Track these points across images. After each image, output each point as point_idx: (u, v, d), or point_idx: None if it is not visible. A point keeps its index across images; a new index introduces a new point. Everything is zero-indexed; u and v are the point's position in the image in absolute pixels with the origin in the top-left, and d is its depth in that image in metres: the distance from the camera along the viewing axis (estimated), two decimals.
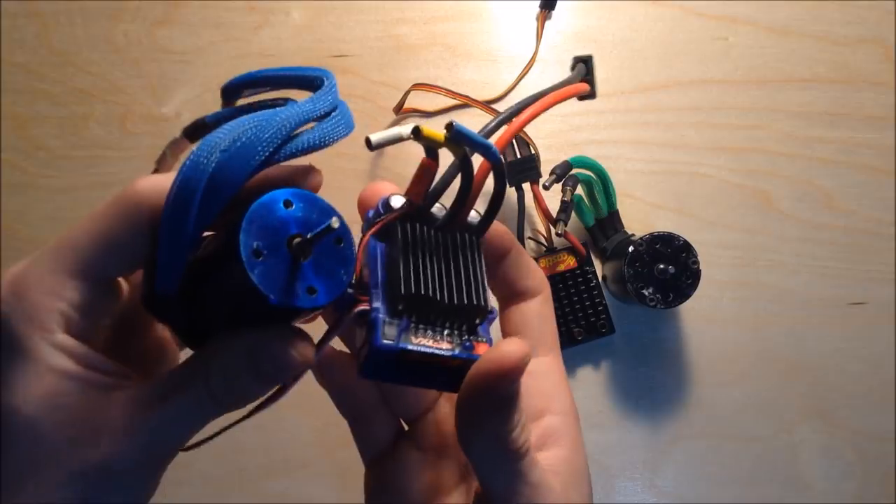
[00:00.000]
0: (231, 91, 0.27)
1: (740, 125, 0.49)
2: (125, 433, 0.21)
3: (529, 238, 0.48)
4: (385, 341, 0.22)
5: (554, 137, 0.49)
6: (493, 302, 0.25)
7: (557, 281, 0.46)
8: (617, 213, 0.47)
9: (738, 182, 0.49)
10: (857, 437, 0.47)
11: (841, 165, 0.49)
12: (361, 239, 0.24)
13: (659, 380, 0.47)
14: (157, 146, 0.27)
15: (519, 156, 0.45)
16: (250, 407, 0.23)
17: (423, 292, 0.23)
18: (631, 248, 0.43)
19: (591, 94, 0.33)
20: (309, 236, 0.21)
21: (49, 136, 0.49)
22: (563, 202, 0.44)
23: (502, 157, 0.23)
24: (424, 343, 0.23)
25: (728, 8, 0.50)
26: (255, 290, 0.20)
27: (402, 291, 0.23)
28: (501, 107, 0.48)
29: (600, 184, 0.46)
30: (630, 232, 0.47)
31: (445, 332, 0.24)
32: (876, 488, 0.46)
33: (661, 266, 0.43)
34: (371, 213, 0.25)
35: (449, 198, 0.25)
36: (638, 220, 0.48)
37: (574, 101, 0.49)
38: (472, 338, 0.24)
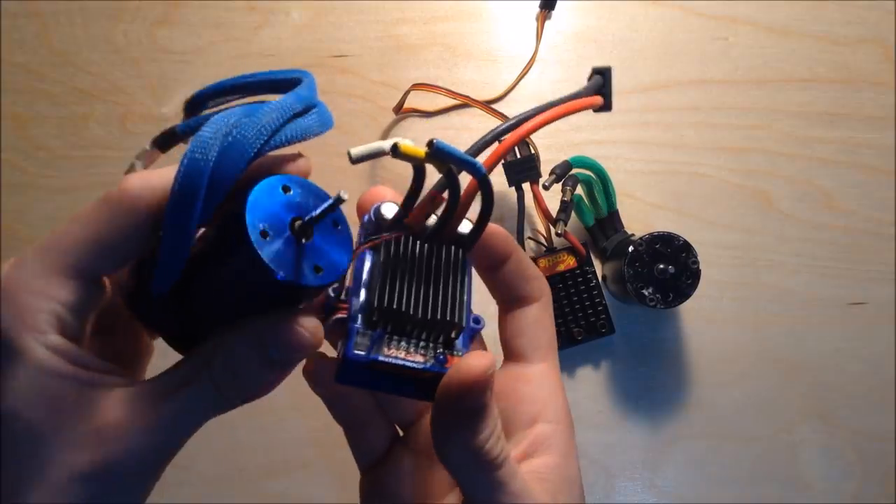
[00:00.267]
0: (197, 103, 0.27)
1: (740, 125, 0.49)
2: (128, 432, 0.21)
3: (529, 238, 0.48)
4: (357, 352, 0.23)
5: (554, 137, 0.49)
6: (482, 308, 0.25)
7: (557, 281, 0.46)
8: (617, 213, 0.47)
9: (738, 182, 0.49)
10: (857, 437, 0.47)
11: (841, 165, 0.49)
12: (354, 252, 0.24)
13: (659, 380, 0.47)
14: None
15: (519, 156, 0.45)
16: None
17: (395, 306, 0.23)
18: (631, 248, 0.43)
19: (606, 107, 0.33)
20: (315, 213, 0.22)
21: (49, 136, 0.49)
22: (563, 202, 0.44)
23: (488, 172, 0.23)
24: (397, 355, 0.23)
25: (728, 8, 0.50)
26: (264, 269, 0.20)
27: (376, 304, 0.23)
28: (501, 107, 0.48)
29: (600, 184, 0.46)
30: (630, 232, 0.47)
31: (420, 343, 0.24)
32: (876, 488, 0.46)
33: (661, 266, 0.43)
34: (365, 219, 0.25)
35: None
36: (638, 220, 0.48)
37: None
38: (446, 351, 0.24)
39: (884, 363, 0.47)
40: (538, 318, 0.28)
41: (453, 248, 0.25)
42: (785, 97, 0.50)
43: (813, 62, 0.50)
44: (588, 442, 0.47)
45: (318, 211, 0.22)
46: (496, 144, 0.26)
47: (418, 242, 0.25)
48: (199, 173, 0.21)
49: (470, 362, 0.22)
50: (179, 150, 0.27)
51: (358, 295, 0.24)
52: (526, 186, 0.45)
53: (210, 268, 0.22)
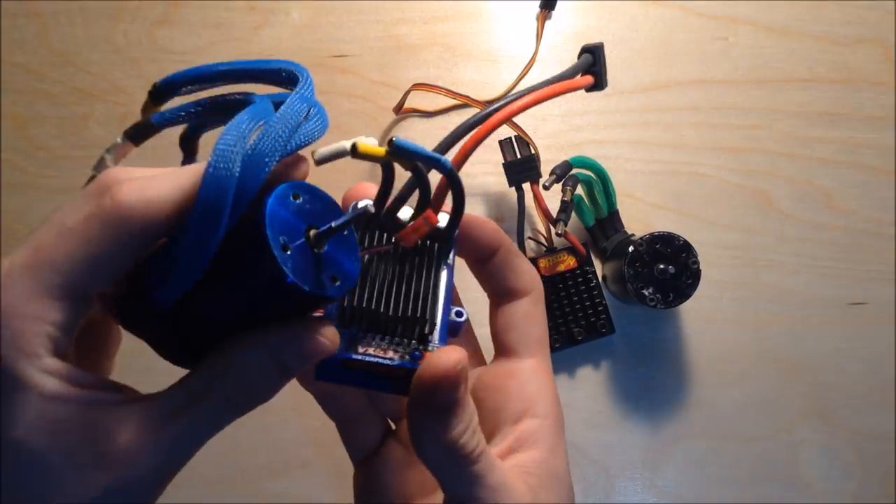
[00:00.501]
0: (165, 90, 0.26)
1: (740, 125, 0.49)
2: (139, 453, 0.21)
3: (529, 238, 0.48)
4: None
5: (554, 137, 0.49)
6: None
7: (557, 281, 0.46)
8: (617, 213, 0.47)
9: (738, 182, 0.49)
10: (857, 437, 0.47)
11: (841, 165, 0.49)
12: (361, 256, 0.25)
13: (659, 380, 0.47)
14: (157, 146, 0.27)
15: (519, 156, 0.45)
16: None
17: (365, 304, 0.24)
18: (631, 248, 0.43)
19: (598, 86, 0.31)
20: (335, 224, 0.21)
21: (49, 136, 0.49)
22: (563, 202, 0.44)
23: (453, 165, 0.23)
24: (370, 352, 0.24)
25: (728, 8, 0.50)
26: (287, 284, 0.20)
27: (346, 303, 0.24)
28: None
29: (600, 184, 0.46)
30: (630, 232, 0.47)
31: (395, 340, 0.24)
32: (876, 488, 0.46)
33: (661, 266, 0.43)
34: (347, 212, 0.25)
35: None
36: (638, 220, 0.48)
37: (574, 100, 0.49)
38: (421, 347, 0.24)
39: (884, 363, 0.47)
40: (528, 313, 0.28)
41: (429, 243, 0.26)
42: (785, 97, 0.50)
43: (813, 62, 0.50)
44: (588, 442, 0.47)
45: (341, 221, 0.21)
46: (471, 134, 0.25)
47: (394, 238, 0.25)
48: (226, 187, 0.20)
49: (439, 357, 0.22)
50: (153, 144, 0.26)
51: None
52: (526, 186, 0.45)
53: (223, 281, 0.21)
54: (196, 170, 0.21)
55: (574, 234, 0.45)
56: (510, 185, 0.45)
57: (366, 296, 0.24)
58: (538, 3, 0.47)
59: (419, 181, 0.24)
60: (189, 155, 0.27)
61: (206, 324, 0.22)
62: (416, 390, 0.22)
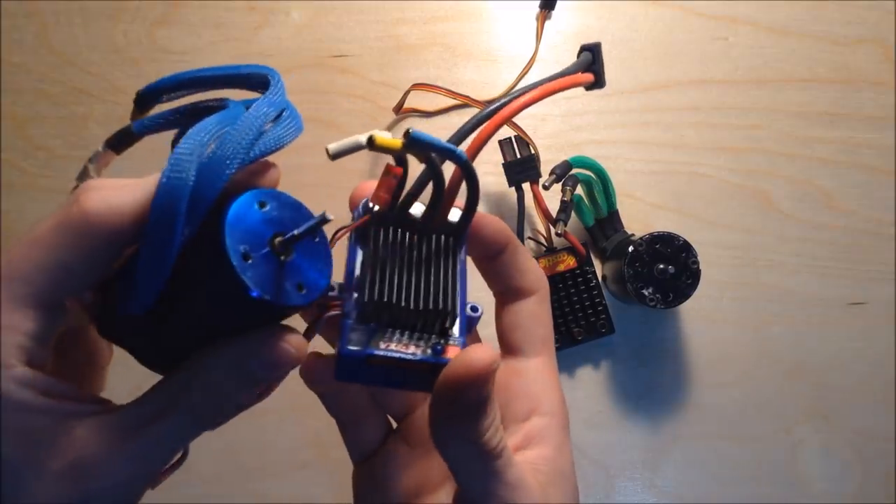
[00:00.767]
0: (148, 96, 0.26)
1: (740, 125, 0.49)
2: (106, 464, 0.20)
3: (529, 238, 0.48)
4: (351, 347, 0.23)
5: (554, 137, 0.49)
6: (483, 302, 0.25)
7: (557, 281, 0.46)
8: (617, 213, 0.47)
9: (738, 182, 0.49)
10: (857, 437, 0.47)
11: (841, 165, 0.49)
12: (334, 238, 0.24)
13: (659, 380, 0.47)
14: (157, 147, 0.27)
15: (519, 156, 0.45)
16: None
17: (385, 299, 0.23)
18: (631, 248, 0.43)
19: (598, 83, 0.31)
20: (297, 232, 0.21)
21: (49, 136, 0.49)
22: (562, 202, 0.44)
23: (469, 158, 0.23)
24: (392, 348, 0.23)
25: (728, 8, 0.50)
26: (247, 293, 0.20)
27: (367, 298, 0.23)
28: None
29: (600, 184, 0.46)
30: (630, 232, 0.47)
31: (416, 335, 0.24)
32: (876, 488, 0.46)
33: (661, 266, 0.43)
34: (354, 214, 0.25)
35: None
36: (638, 220, 0.48)
37: (574, 100, 0.49)
38: (442, 341, 0.24)
39: (884, 363, 0.47)
40: (534, 312, 0.28)
41: (444, 237, 0.25)
42: (785, 97, 0.50)
43: (813, 62, 0.50)
44: (588, 442, 0.47)
45: (303, 229, 0.21)
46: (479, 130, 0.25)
47: (408, 233, 0.25)
48: (179, 194, 0.20)
49: (474, 356, 0.22)
50: (135, 151, 0.26)
51: (350, 290, 0.24)
52: (526, 186, 0.45)
53: (187, 289, 0.21)
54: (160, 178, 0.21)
55: (574, 234, 0.45)
56: (510, 185, 0.45)
57: (386, 290, 0.23)
58: (538, 3, 0.47)
59: (433, 173, 0.23)
60: None
61: (178, 332, 0.22)
62: (445, 386, 0.22)
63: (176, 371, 0.22)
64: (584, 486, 0.46)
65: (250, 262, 0.20)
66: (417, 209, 0.25)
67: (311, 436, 0.46)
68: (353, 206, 0.26)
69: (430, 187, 0.25)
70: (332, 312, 0.23)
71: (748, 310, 0.48)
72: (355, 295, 0.24)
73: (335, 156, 0.22)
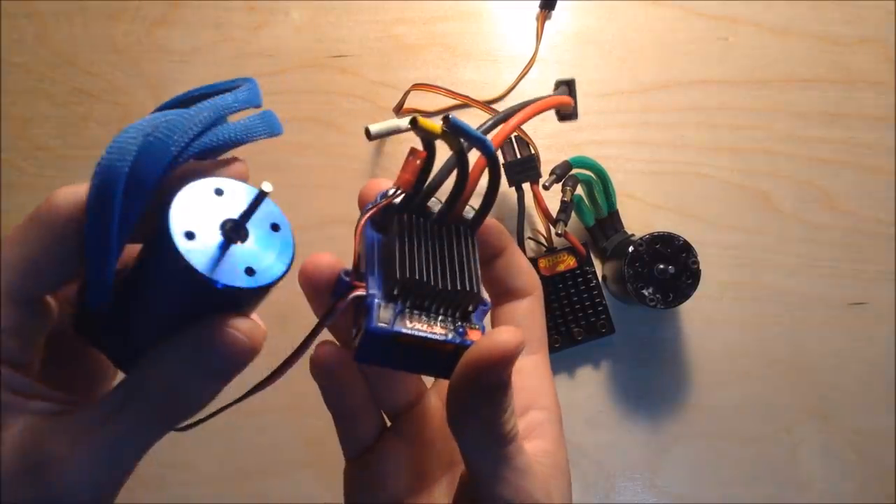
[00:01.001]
0: None
1: (740, 125, 0.49)
2: (69, 464, 0.20)
3: (529, 238, 0.48)
4: (380, 324, 0.23)
5: (554, 137, 0.49)
6: (486, 294, 0.25)
7: (557, 281, 0.46)
8: (617, 213, 0.47)
9: (739, 182, 0.49)
10: (857, 437, 0.47)
11: (841, 165, 0.49)
12: (357, 224, 0.24)
13: (659, 380, 0.47)
14: None
15: (519, 156, 0.45)
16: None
17: (417, 276, 0.23)
18: (631, 248, 0.43)
19: (572, 115, 0.34)
20: (243, 211, 0.21)
21: (49, 136, 0.49)
22: (563, 202, 0.44)
23: (497, 151, 0.24)
24: (417, 327, 0.23)
25: (728, 8, 0.50)
26: (188, 270, 0.19)
27: (398, 276, 0.23)
28: (501, 107, 0.48)
29: (600, 184, 0.46)
30: (630, 232, 0.47)
31: (439, 317, 0.24)
32: (875, 488, 0.46)
33: (661, 266, 0.43)
34: (369, 206, 0.25)
35: (443, 195, 0.26)
36: (638, 220, 0.48)
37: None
38: (464, 324, 0.24)
39: (884, 363, 0.47)
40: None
41: (459, 228, 0.26)
42: (785, 97, 0.50)
43: (813, 62, 0.50)
44: (588, 442, 0.47)
45: (246, 207, 0.21)
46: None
47: (428, 222, 0.25)
48: (115, 176, 0.20)
49: (500, 337, 0.22)
50: None
51: (373, 271, 0.24)
52: (526, 186, 0.45)
53: (141, 278, 0.21)
54: None
55: (574, 234, 0.45)
56: (510, 185, 0.45)
57: (417, 269, 0.23)
58: (538, 3, 0.48)
59: (461, 161, 0.24)
60: None
61: (140, 327, 0.22)
62: (468, 368, 0.22)
63: (134, 367, 0.22)
64: (584, 486, 0.46)
65: (195, 241, 0.20)
66: (432, 204, 0.26)
67: (311, 436, 0.46)
68: (362, 203, 0.26)
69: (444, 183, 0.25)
70: (357, 293, 0.23)
71: (748, 310, 0.48)
72: (380, 274, 0.24)
73: (375, 136, 0.22)
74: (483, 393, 0.22)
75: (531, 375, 0.27)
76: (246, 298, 0.21)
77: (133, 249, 0.22)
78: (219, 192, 0.21)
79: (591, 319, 0.46)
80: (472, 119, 0.49)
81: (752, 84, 0.50)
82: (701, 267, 0.43)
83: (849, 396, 0.47)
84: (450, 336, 0.23)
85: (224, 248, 0.20)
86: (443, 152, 0.24)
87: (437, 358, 0.24)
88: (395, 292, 0.23)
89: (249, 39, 0.50)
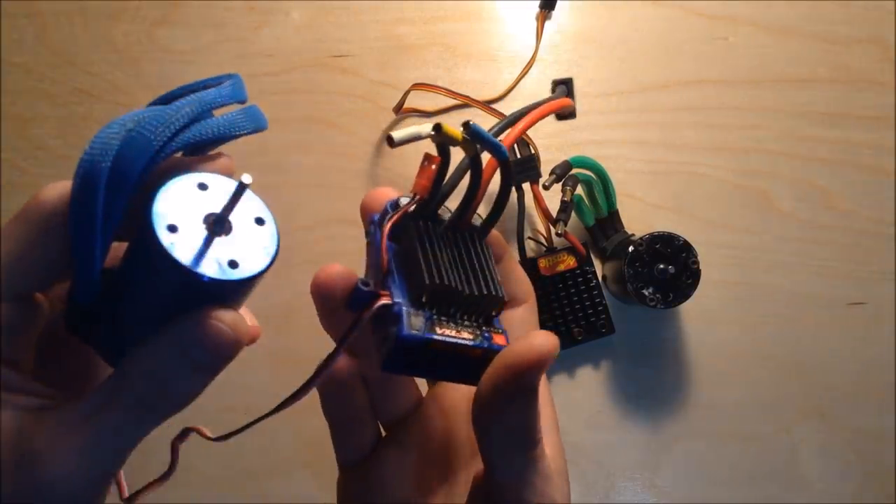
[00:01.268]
0: None
1: (740, 125, 0.49)
2: (55, 458, 0.20)
3: (529, 238, 0.48)
4: (412, 332, 0.22)
5: (554, 137, 0.49)
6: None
7: (557, 281, 0.46)
8: (617, 213, 0.47)
9: (738, 182, 0.49)
10: (857, 437, 0.47)
11: (841, 165, 0.49)
12: (381, 231, 0.24)
13: (659, 380, 0.47)
14: None
15: (519, 156, 0.45)
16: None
17: (445, 283, 0.23)
18: (631, 248, 0.43)
19: (571, 114, 0.34)
20: (224, 205, 0.21)
21: (49, 136, 0.49)
22: (563, 202, 0.44)
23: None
24: (447, 333, 0.23)
25: (728, 8, 0.50)
26: (168, 261, 0.19)
27: (427, 282, 0.23)
28: (501, 107, 0.48)
29: (600, 184, 0.46)
30: (630, 232, 0.47)
31: (465, 323, 0.24)
32: (875, 488, 0.46)
33: (661, 266, 0.43)
34: (377, 217, 0.25)
35: (453, 202, 0.26)
36: (638, 220, 0.48)
37: (574, 101, 0.49)
38: (489, 329, 0.24)
39: (884, 363, 0.48)
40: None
41: (471, 234, 0.26)
42: (785, 97, 0.50)
43: (813, 62, 0.50)
44: (588, 442, 0.47)
45: (227, 201, 0.21)
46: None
47: (441, 228, 0.25)
48: (97, 172, 0.20)
49: (538, 339, 0.22)
50: None
51: (395, 280, 0.24)
52: (526, 186, 0.45)
53: (127, 273, 0.21)
54: None
55: (574, 234, 0.45)
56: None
57: (445, 275, 0.24)
58: (538, 3, 0.48)
59: (475, 167, 0.24)
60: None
61: (127, 322, 0.22)
62: (501, 370, 0.22)
63: (120, 362, 0.22)
64: (585, 486, 0.46)
65: (178, 234, 0.20)
66: (441, 212, 0.26)
67: (311, 435, 0.46)
68: (365, 213, 0.26)
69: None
70: (383, 302, 0.23)
71: (748, 310, 0.48)
72: (405, 283, 0.24)
73: (398, 144, 0.22)
74: (514, 397, 0.22)
75: None
76: (230, 291, 0.21)
77: (122, 248, 0.22)
78: (202, 186, 0.21)
79: (591, 319, 0.46)
80: (473, 119, 0.49)
81: (752, 84, 0.50)
82: (701, 267, 0.43)
83: (848, 396, 0.47)
84: (478, 341, 0.23)
85: (207, 241, 0.21)
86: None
87: (465, 363, 0.24)
88: (424, 299, 0.23)
89: (249, 39, 0.50)
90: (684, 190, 0.49)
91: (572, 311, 0.46)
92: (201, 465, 0.46)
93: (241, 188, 0.21)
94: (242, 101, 0.24)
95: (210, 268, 0.20)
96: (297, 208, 0.47)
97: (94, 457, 0.21)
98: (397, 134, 0.22)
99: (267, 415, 0.24)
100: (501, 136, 0.27)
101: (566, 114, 0.36)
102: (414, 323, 0.23)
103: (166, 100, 0.24)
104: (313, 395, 0.28)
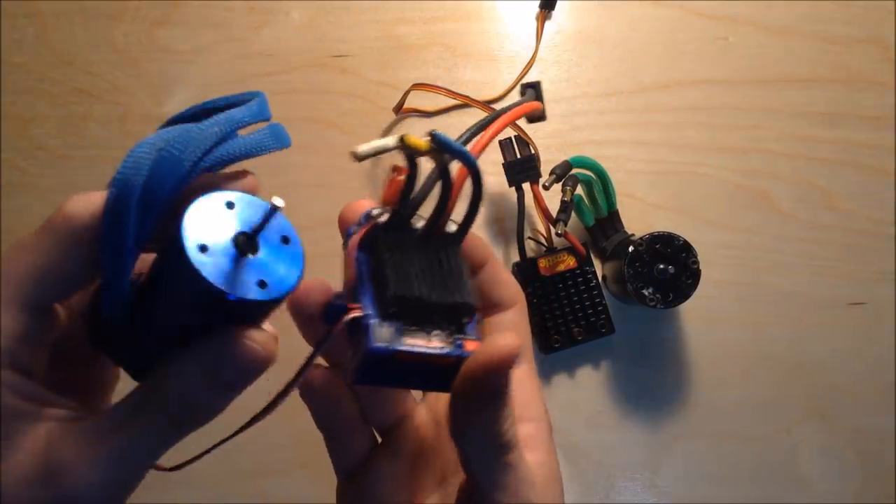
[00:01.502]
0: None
1: (740, 125, 0.49)
2: (81, 469, 0.20)
3: (529, 238, 0.48)
4: (379, 344, 0.23)
5: (554, 137, 0.49)
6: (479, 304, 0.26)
7: (557, 281, 0.46)
8: (617, 213, 0.47)
9: (738, 182, 0.49)
10: (857, 437, 0.47)
11: (841, 165, 0.49)
12: (348, 245, 0.24)
13: (659, 380, 0.47)
14: None
15: (519, 156, 0.45)
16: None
17: (412, 292, 0.23)
18: (631, 248, 0.43)
19: (541, 117, 0.34)
20: (254, 227, 0.21)
21: (49, 136, 0.49)
22: (563, 202, 0.44)
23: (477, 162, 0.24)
24: (417, 343, 0.23)
25: (728, 8, 0.50)
26: (202, 283, 0.20)
27: (393, 293, 0.23)
28: (501, 107, 0.48)
29: (600, 184, 0.46)
30: (630, 232, 0.47)
31: (435, 331, 0.24)
32: (876, 488, 0.46)
33: (661, 266, 0.43)
34: (352, 229, 0.25)
35: (427, 209, 0.26)
36: (638, 220, 0.48)
37: (574, 100, 0.49)
38: (461, 336, 0.24)
39: (884, 363, 0.47)
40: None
41: (443, 242, 0.26)
42: (785, 97, 0.50)
43: (813, 62, 0.50)
44: (588, 442, 0.47)
45: (258, 221, 0.21)
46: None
47: (414, 237, 0.25)
48: (130, 190, 0.20)
49: (500, 341, 0.22)
50: None
51: (366, 292, 0.24)
52: (526, 186, 0.45)
53: (156, 289, 0.22)
54: None
55: (574, 234, 0.45)
56: (510, 185, 0.45)
57: (411, 284, 0.24)
58: (538, 2, 0.48)
59: (444, 176, 0.24)
60: None
61: (152, 337, 0.22)
62: (470, 375, 0.22)
63: (148, 376, 0.22)
64: (584, 486, 0.46)
65: (208, 254, 0.20)
66: (415, 221, 0.26)
67: (311, 435, 0.46)
68: (342, 225, 0.26)
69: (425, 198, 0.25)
70: (353, 315, 0.23)
71: (748, 310, 0.48)
72: (374, 293, 0.24)
73: (362, 158, 0.22)
74: (484, 401, 0.22)
75: (520, 387, 0.27)
76: (257, 310, 0.22)
77: (147, 259, 0.22)
78: (230, 205, 0.22)
79: (591, 319, 0.46)
80: (473, 119, 0.49)
81: (752, 84, 0.50)
82: (701, 267, 0.43)
83: (848, 396, 0.47)
84: (448, 349, 0.23)
85: (237, 260, 0.21)
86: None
87: (437, 372, 0.24)
88: (391, 310, 0.23)
89: (249, 39, 0.50)
90: (684, 190, 0.49)
91: (572, 311, 0.46)
92: (200, 465, 0.45)
93: (273, 211, 0.21)
94: (267, 119, 0.24)
95: (241, 289, 0.21)
96: (297, 208, 0.47)
97: (119, 469, 0.21)
98: (362, 148, 0.22)
99: (234, 434, 0.24)
100: (472, 143, 0.26)
101: (535, 117, 0.36)
102: (382, 335, 0.23)
103: (192, 114, 0.24)
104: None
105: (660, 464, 0.46)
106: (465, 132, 0.27)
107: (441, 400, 0.29)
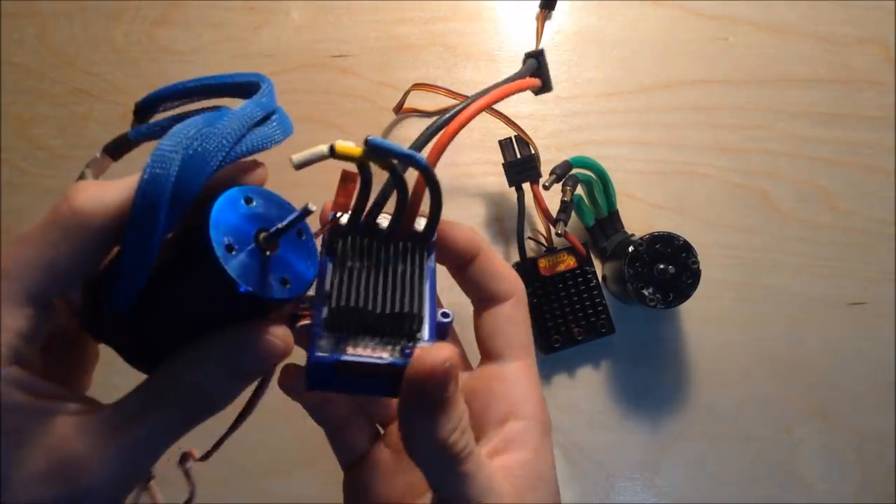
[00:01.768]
0: (147, 106, 0.26)
1: (740, 125, 0.49)
2: (95, 463, 0.20)
3: (529, 238, 0.48)
4: (319, 354, 0.23)
5: (554, 137, 0.49)
6: (435, 310, 0.25)
7: (557, 281, 0.46)
8: (617, 213, 0.47)
9: (739, 182, 0.49)
10: (857, 437, 0.47)
11: (841, 165, 0.49)
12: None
13: (659, 380, 0.47)
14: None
15: (519, 156, 0.45)
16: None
17: (352, 304, 0.23)
18: (631, 248, 0.43)
19: (545, 88, 0.33)
20: (282, 225, 0.21)
21: (49, 136, 0.49)
22: (563, 202, 0.44)
23: (429, 163, 0.23)
24: (360, 353, 0.23)
25: (728, 8, 0.50)
26: (231, 285, 0.20)
27: (334, 304, 0.23)
28: (500, 106, 0.48)
29: (600, 184, 0.46)
30: (630, 232, 0.47)
31: (385, 341, 0.24)
32: (876, 488, 0.46)
33: (661, 266, 0.43)
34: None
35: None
36: (638, 220, 0.48)
37: (574, 100, 0.49)
38: (411, 345, 0.24)
39: (884, 363, 0.47)
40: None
41: (409, 244, 0.25)
42: (785, 97, 0.50)
43: (813, 62, 0.50)
44: (588, 442, 0.47)
45: (285, 222, 0.21)
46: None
47: (375, 242, 0.25)
48: (161, 188, 0.20)
49: (428, 353, 0.22)
50: (134, 157, 0.27)
51: (322, 298, 0.24)
52: (526, 186, 0.45)
53: (172, 284, 0.22)
54: None
55: (574, 234, 0.45)
56: (510, 185, 0.45)
57: (353, 295, 0.23)
58: (538, 2, 0.47)
59: (396, 181, 0.23)
60: None
61: (163, 328, 0.22)
62: (406, 387, 0.22)
63: (162, 368, 0.22)
64: (584, 486, 0.46)
65: (234, 254, 0.21)
66: (383, 221, 0.26)
67: (311, 435, 0.46)
68: (323, 222, 0.26)
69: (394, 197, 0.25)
70: (303, 322, 0.23)
71: (748, 310, 0.48)
72: (324, 304, 0.24)
73: (299, 166, 0.22)
74: (424, 412, 0.22)
75: (514, 383, 0.27)
76: (278, 306, 0.22)
77: None
78: (248, 200, 0.22)
79: (591, 319, 0.46)
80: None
81: (752, 84, 0.50)
82: (701, 267, 0.43)
83: (849, 396, 0.47)
84: (391, 359, 0.23)
85: (260, 259, 0.21)
86: None
87: (385, 380, 0.24)
88: (336, 320, 0.23)
89: (249, 39, 0.50)
90: (684, 190, 0.49)
91: (572, 311, 0.46)
92: (201, 464, 0.46)
93: (304, 214, 0.21)
94: (274, 111, 0.24)
95: (268, 289, 0.21)
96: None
97: (130, 461, 0.21)
98: (297, 156, 0.22)
99: (231, 433, 0.25)
100: (433, 140, 0.26)
101: (539, 90, 0.34)
102: (322, 345, 0.23)
103: (188, 90, 0.25)
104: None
105: (660, 464, 0.46)
106: (427, 128, 0.26)
107: None
